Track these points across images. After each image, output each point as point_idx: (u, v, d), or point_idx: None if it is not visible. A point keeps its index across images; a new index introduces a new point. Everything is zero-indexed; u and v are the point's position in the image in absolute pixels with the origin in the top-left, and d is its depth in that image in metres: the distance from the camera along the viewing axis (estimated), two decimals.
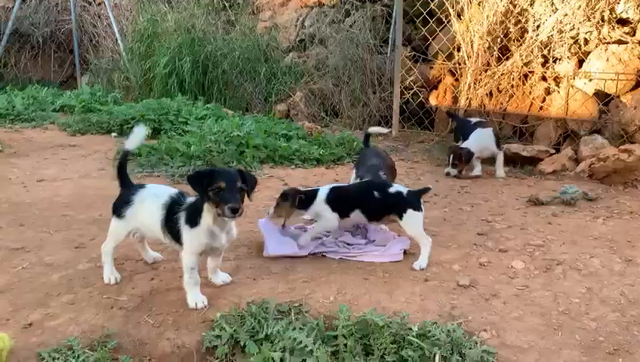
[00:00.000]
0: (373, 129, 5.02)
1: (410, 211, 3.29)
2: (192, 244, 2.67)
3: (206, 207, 2.60)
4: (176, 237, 2.72)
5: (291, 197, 3.44)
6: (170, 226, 2.73)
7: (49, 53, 12.04)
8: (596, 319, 2.61)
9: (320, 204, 3.43)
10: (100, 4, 11.67)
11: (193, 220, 2.65)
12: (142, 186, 2.96)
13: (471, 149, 5.50)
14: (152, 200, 2.83)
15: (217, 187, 2.50)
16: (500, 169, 5.56)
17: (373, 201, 3.37)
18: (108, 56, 10.94)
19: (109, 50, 11.00)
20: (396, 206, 3.32)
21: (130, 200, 2.88)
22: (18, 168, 5.33)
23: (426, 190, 3.45)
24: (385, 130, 5.47)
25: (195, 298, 2.68)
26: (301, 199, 3.44)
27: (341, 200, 3.42)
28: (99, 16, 11.48)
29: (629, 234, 3.79)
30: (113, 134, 7.14)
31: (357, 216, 3.42)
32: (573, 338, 2.43)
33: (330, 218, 3.41)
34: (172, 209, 2.74)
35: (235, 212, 2.48)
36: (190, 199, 2.76)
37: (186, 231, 2.67)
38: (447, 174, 5.54)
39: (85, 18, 11.63)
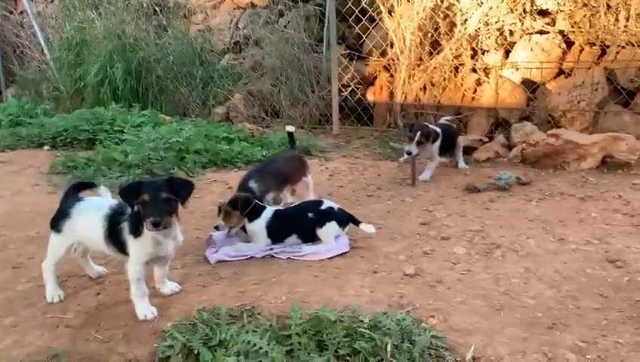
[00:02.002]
0: (288, 127, 4.64)
1: (333, 223, 3.44)
2: (138, 254, 2.63)
3: None
4: (121, 248, 2.68)
5: (243, 204, 3.43)
6: (114, 238, 2.68)
7: None
8: (534, 297, 2.75)
9: (259, 226, 3.46)
10: (21, 12, 11.17)
11: (137, 230, 2.60)
12: (80, 199, 2.89)
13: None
14: (91, 212, 2.77)
15: (142, 200, 2.47)
16: (428, 171, 5.19)
17: (308, 224, 3.47)
18: (34, 67, 10.49)
19: (35, 60, 10.55)
20: (324, 219, 3.44)
21: (68, 214, 2.80)
22: None
23: (356, 221, 3.52)
24: (292, 128, 4.62)
25: (145, 309, 2.63)
26: (253, 209, 3.45)
27: (279, 227, 3.48)
28: (22, 26, 10.98)
29: (561, 214, 4.01)
30: (45, 147, 6.87)
31: (292, 240, 3.51)
32: (515, 317, 2.56)
33: (261, 243, 3.45)
34: (114, 220, 2.69)
35: (157, 225, 2.43)
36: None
37: (130, 242, 2.62)
38: (409, 153, 4.93)
39: (7, 28, 11.09)
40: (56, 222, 2.83)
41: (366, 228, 3.48)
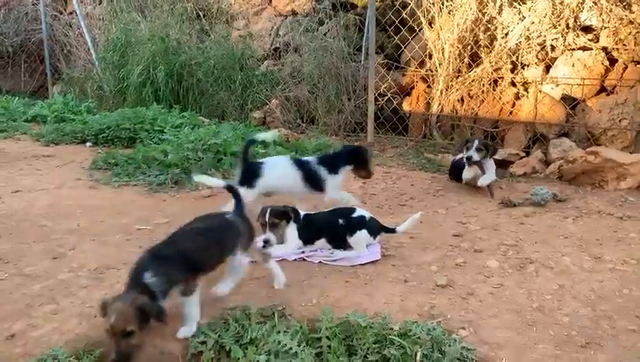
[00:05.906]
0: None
1: (364, 231, 3.43)
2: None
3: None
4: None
5: (292, 213, 3.47)
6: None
7: (19, 62, 11.88)
8: (568, 314, 2.72)
9: (291, 227, 3.49)
10: (71, 13, 11.55)
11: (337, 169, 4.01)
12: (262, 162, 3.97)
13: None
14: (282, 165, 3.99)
15: None
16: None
17: (337, 230, 3.48)
18: (80, 66, 10.82)
19: (81, 59, 10.88)
20: (355, 227, 3.44)
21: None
22: None
23: (390, 230, 3.55)
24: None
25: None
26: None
27: (309, 229, 3.51)
28: (70, 26, 11.34)
29: (597, 233, 3.94)
30: (88, 144, 7.08)
31: (321, 243, 3.53)
32: (547, 334, 2.53)
33: (292, 244, 3.47)
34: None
35: None
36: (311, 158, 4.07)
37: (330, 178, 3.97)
38: (469, 159, 4.94)
39: (56, 27, 11.48)
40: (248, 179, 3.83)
41: (405, 226, 3.53)
